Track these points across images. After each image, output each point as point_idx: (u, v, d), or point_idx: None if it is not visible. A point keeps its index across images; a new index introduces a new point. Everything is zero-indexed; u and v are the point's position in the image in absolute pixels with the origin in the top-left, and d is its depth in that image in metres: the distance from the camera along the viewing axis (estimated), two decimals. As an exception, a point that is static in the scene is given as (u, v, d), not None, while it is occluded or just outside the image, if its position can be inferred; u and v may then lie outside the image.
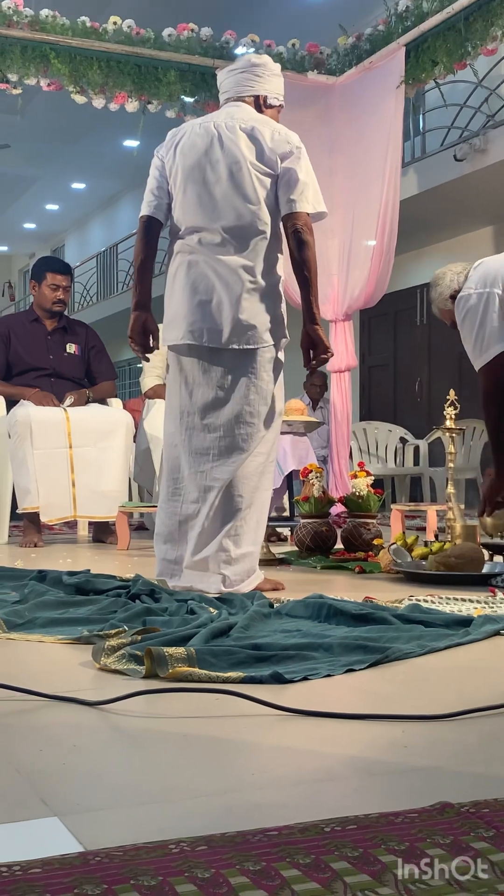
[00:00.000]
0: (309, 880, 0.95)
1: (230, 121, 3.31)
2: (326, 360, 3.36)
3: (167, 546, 3.31)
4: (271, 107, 3.42)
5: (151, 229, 3.37)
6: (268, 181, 3.25)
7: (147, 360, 3.60)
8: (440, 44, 6.01)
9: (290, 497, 5.29)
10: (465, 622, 2.48)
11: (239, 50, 6.61)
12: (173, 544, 3.29)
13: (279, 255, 3.32)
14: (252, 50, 6.67)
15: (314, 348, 3.31)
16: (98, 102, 6.49)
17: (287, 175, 3.23)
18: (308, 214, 3.24)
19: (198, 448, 3.24)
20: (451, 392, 4.14)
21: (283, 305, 3.34)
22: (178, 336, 3.28)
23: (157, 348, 3.43)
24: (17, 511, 5.10)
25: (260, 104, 3.40)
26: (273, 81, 3.43)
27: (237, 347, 3.21)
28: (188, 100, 6.70)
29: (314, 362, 3.33)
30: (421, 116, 10.24)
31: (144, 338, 3.38)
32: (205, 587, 3.17)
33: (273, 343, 3.27)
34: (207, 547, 3.21)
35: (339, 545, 4.39)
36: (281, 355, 3.32)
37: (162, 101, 6.58)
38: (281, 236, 3.31)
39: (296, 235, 3.22)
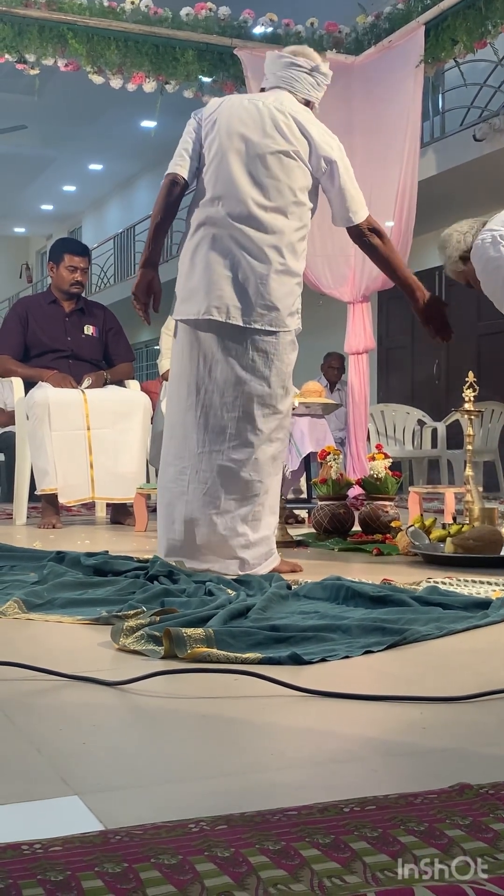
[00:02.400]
0: (328, 860, 0.96)
1: (280, 105, 3.31)
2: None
3: (174, 526, 3.26)
4: (312, 105, 3.48)
5: (175, 189, 3.31)
6: (308, 173, 3.29)
7: (149, 322, 3.60)
8: (460, 22, 5.96)
9: (308, 479, 5.30)
10: (484, 604, 2.47)
11: (257, 29, 6.58)
12: (181, 524, 3.24)
13: (305, 246, 3.34)
14: (270, 29, 6.63)
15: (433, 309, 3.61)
16: (115, 83, 6.47)
17: (338, 188, 3.33)
18: (365, 219, 3.38)
19: (214, 427, 3.19)
20: (470, 374, 4.12)
21: (300, 296, 3.36)
22: (199, 311, 3.21)
23: (157, 311, 3.40)
24: (35, 493, 5.12)
25: (309, 107, 3.44)
26: (323, 91, 3.50)
27: (260, 327, 3.18)
28: (206, 80, 6.67)
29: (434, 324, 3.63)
30: (440, 96, 10.17)
31: (148, 297, 3.35)
32: (222, 569, 3.17)
33: (293, 328, 3.27)
34: (225, 530, 3.19)
35: (356, 527, 4.38)
36: (296, 341, 3.32)
37: (180, 81, 6.56)
38: (309, 229, 3.35)
39: (363, 241, 3.42)
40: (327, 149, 3.29)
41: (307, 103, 3.42)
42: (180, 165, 3.29)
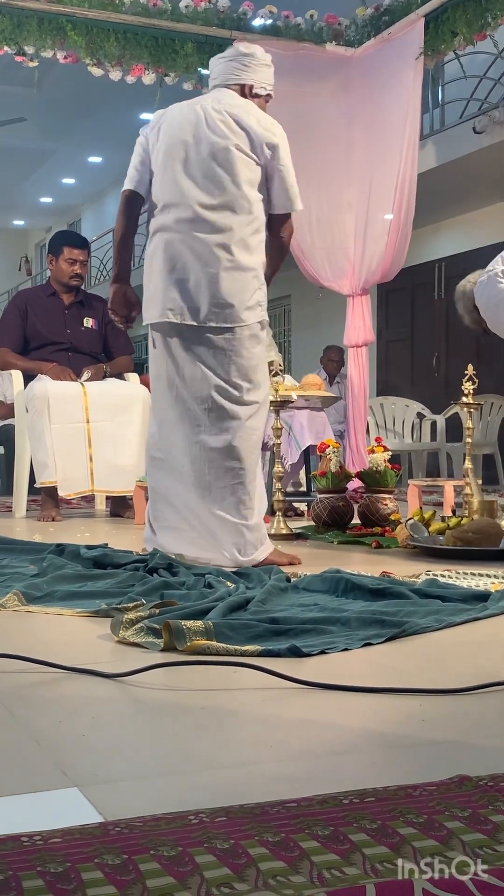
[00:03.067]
0: (328, 851, 0.96)
1: (216, 104, 3.36)
2: None
3: (160, 516, 3.35)
4: (257, 96, 3.47)
5: (133, 204, 3.46)
6: (253, 166, 3.30)
7: (126, 329, 3.72)
8: (460, 14, 5.94)
9: (307, 472, 5.30)
10: (483, 597, 2.48)
11: (257, 21, 6.56)
12: (167, 514, 3.33)
13: (260, 238, 3.36)
14: (269, 21, 6.61)
15: None
16: (115, 75, 6.45)
17: (278, 175, 3.32)
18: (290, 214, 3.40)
19: (191, 421, 3.29)
20: (469, 367, 4.12)
21: (264, 287, 3.38)
22: (157, 314, 3.34)
23: (134, 320, 3.60)
24: (34, 485, 5.12)
25: (245, 92, 3.45)
26: (261, 71, 3.48)
27: (215, 325, 3.26)
28: (205, 72, 6.64)
29: None
30: (440, 88, 10.15)
31: (126, 309, 3.54)
32: (216, 559, 3.21)
33: (252, 322, 3.30)
34: (216, 520, 3.25)
35: (355, 520, 4.39)
36: (262, 333, 3.36)
37: (179, 74, 6.54)
38: (263, 222, 3.36)
39: (281, 234, 3.42)
40: (269, 135, 3.31)
41: (248, 89, 3.46)
42: (132, 180, 3.43)
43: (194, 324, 3.27)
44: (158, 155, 3.37)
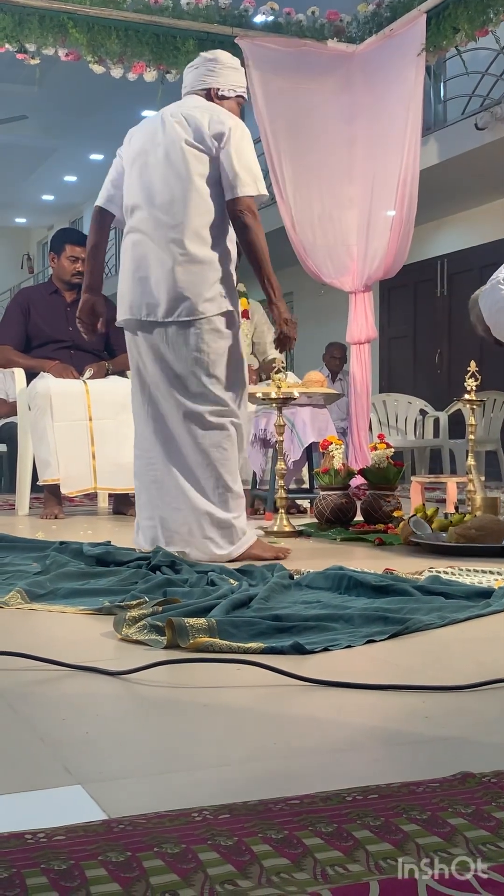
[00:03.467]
0: (331, 848, 0.96)
1: (176, 109, 3.45)
2: (287, 338, 3.46)
3: (150, 512, 3.41)
4: (225, 98, 3.53)
5: (103, 219, 3.61)
6: (204, 158, 3.33)
7: (92, 339, 3.84)
8: (461, 10, 5.93)
9: (310, 469, 5.29)
10: (486, 594, 2.48)
11: (258, 18, 6.55)
12: (156, 509, 3.38)
13: (221, 230, 3.37)
14: (271, 18, 6.61)
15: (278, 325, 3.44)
16: (116, 72, 6.45)
17: (225, 160, 3.31)
18: (249, 197, 3.30)
19: (160, 417, 3.35)
20: (472, 363, 4.12)
21: (229, 278, 3.37)
22: (123, 312, 3.44)
23: (103, 330, 3.74)
24: (37, 483, 5.12)
25: (212, 96, 3.52)
26: (226, 74, 3.55)
27: (174, 320, 3.29)
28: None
29: (277, 341, 3.51)
30: (442, 84, 10.13)
31: (92, 318, 3.67)
32: (195, 552, 3.27)
33: (214, 314, 3.31)
34: (191, 513, 3.30)
35: (358, 517, 4.39)
36: (228, 327, 3.36)
37: (180, 71, 6.52)
38: (223, 213, 3.37)
39: (237, 221, 3.32)
40: (218, 125, 3.34)
41: (213, 93, 3.52)
42: (102, 197, 3.60)
43: (155, 319, 3.32)
44: (126, 165, 3.50)
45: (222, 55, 3.59)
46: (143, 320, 3.36)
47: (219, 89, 3.52)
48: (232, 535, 3.31)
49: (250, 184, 3.29)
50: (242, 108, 3.63)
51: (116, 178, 3.56)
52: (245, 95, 3.62)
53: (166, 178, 3.35)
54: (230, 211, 3.32)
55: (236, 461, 3.37)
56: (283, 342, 3.49)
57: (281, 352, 3.71)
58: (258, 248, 3.32)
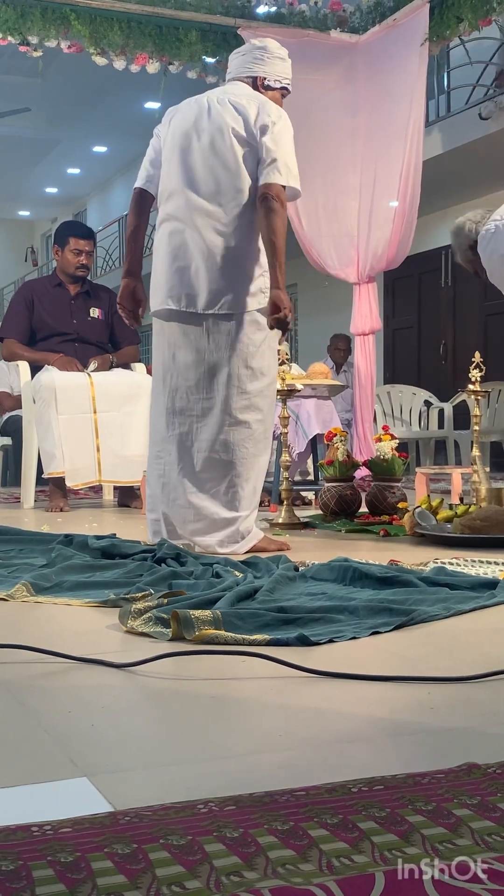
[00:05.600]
0: (337, 840, 0.96)
1: (222, 95, 3.40)
2: (284, 322, 3.32)
3: (154, 506, 3.40)
4: (270, 88, 3.49)
5: (143, 201, 3.52)
6: (251, 149, 3.29)
7: (134, 325, 3.69)
8: (465, 0, 5.91)
9: (315, 461, 5.29)
10: (491, 585, 2.48)
11: (261, 9, 6.54)
12: (160, 504, 3.38)
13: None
14: (274, 9, 6.59)
15: (275, 311, 3.30)
16: (119, 64, 6.44)
17: (264, 146, 3.27)
18: (282, 186, 3.25)
19: (182, 410, 3.32)
20: (477, 354, 4.11)
21: (266, 273, 3.33)
22: (159, 302, 3.37)
23: (143, 316, 3.58)
24: (42, 476, 5.13)
25: (257, 85, 3.47)
26: (274, 64, 3.50)
27: (214, 312, 3.26)
28: (209, 60, 6.64)
29: (274, 324, 3.37)
30: (445, 74, 10.10)
31: (133, 304, 3.54)
32: (201, 547, 3.26)
33: (254, 308, 3.30)
34: (200, 509, 3.29)
35: (363, 509, 4.38)
36: (264, 320, 3.32)
37: (183, 62, 6.53)
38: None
39: (265, 203, 3.24)
40: (264, 116, 3.29)
41: (259, 81, 3.47)
42: (141, 178, 3.51)
43: (194, 311, 3.28)
44: (166, 148, 3.42)
45: (272, 44, 3.53)
46: (181, 311, 3.31)
47: (265, 78, 3.47)
48: (236, 534, 3.29)
49: (285, 174, 3.25)
50: None
51: (155, 157, 3.48)
52: (289, 88, 3.56)
53: (211, 167, 3.29)
54: (260, 194, 3.25)
55: (257, 460, 3.33)
56: (282, 326, 3.38)
57: (283, 333, 3.58)
58: (276, 234, 3.23)
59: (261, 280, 3.31)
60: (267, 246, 3.27)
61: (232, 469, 3.27)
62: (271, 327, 3.35)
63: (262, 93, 3.44)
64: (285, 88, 3.53)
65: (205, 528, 3.29)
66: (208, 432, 3.27)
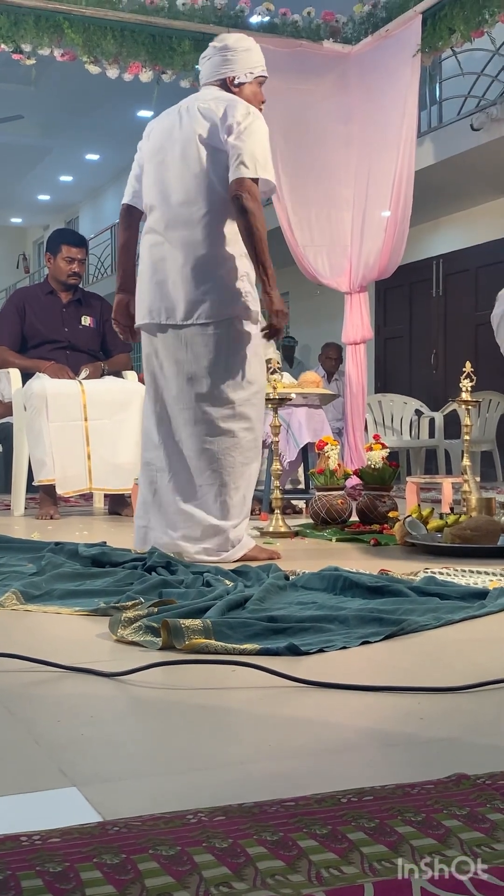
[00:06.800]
0: (326, 850, 0.96)
1: (192, 102, 3.37)
2: (276, 329, 3.34)
3: (144, 513, 3.41)
4: (242, 84, 3.43)
5: (130, 216, 3.54)
6: (219, 153, 3.25)
7: (129, 340, 3.67)
8: (457, 11, 5.94)
9: (306, 469, 5.30)
10: (481, 595, 2.48)
11: (254, 19, 6.55)
12: (148, 512, 3.39)
13: (237, 228, 3.30)
14: (267, 19, 6.61)
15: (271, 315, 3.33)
16: (112, 72, 6.45)
17: (230, 143, 3.21)
18: (251, 180, 3.16)
19: (169, 420, 3.33)
20: (467, 364, 4.12)
21: (248, 277, 3.29)
22: (142, 316, 3.39)
23: (138, 331, 3.56)
24: (33, 483, 5.12)
25: (228, 85, 3.43)
26: (240, 59, 3.44)
27: (192, 323, 3.25)
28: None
29: (266, 330, 3.38)
30: (437, 85, 10.14)
31: (128, 319, 3.54)
32: (189, 555, 3.25)
33: (233, 316, 3.26)
34: (187, 517, 3.28)
35: (354, 518, 4.39)
36: (248, 327, 3.30)
37: (176, 71, 6.53)
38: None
39: (235, 203, 3.18)
40: (229, 117, 3.24)
41: (229, 81, 3.42)
42: (127, 193, 3.53)
43: (175, 322, 3.28)
44: (146, 162, 3.44)
45: (231, 39, 3.48)
46: (162, 324, 3.32)
47: (234, 77, 3.42)
48: (226, 542, 3.28)
49: (252, 166, 3.17)
50: None
51: (139, 172, 3.48)
52: (265, 74, 3.49)
53: (182, 177, 3.29)
54: (229, 193, 3.20)
55: (245, 469, 3.30)
56: (272, 333, 3.39)
57: (268, 340, 3.53)
58: (256, 233, 3.18)
59: (241, 284, 3.27)
60: (248, 249, 3.23)
61: (219, 478, 3.26)
62: (265, 333, 3.35)
63: (234, 92, 3.39)
64: (261, 76, 3.47)
65: (194, 536, 3.28)
66: (194, 442, 3.27)
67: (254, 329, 3.32)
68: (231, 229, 3.27)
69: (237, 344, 3.28)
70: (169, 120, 3.41)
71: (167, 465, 3.32)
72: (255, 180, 3.19)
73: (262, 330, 3.38)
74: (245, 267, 3.28)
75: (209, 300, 3.23)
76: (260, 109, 3.41)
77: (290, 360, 11.12)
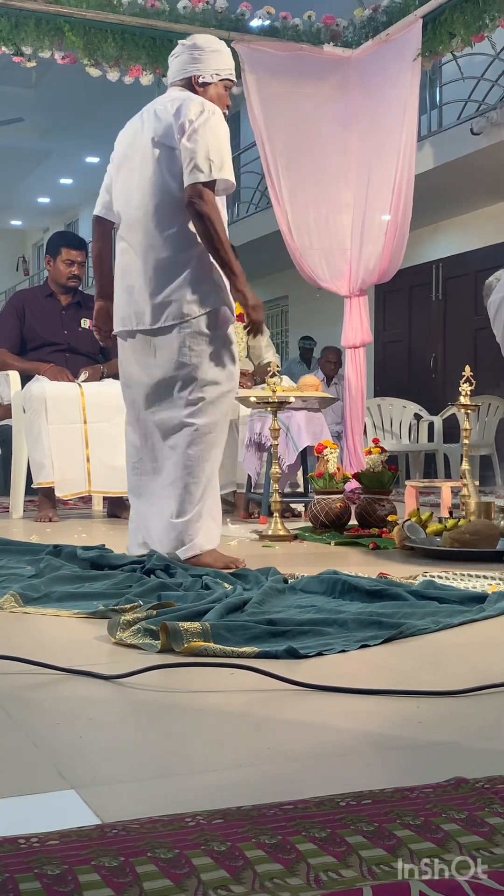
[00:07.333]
0: (324, 854, 0.96)
1: (152, 105, 3.34)
2: (256, 324, 3.35)
3: (132, 515, 3.44)
4: (207, 84, 3.36)
5: (100, 227, 3.54)
6: (173, 154, 3.19)
7: (109, 345, 3.69)
8: (458, 16, 5.94)
9: (305, 473, 5.30)
10: (480, 598, 2.48)
11: (255, 22, 6.55)
12: (134, 514, 3.41)
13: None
14: (267, 22, 6.62)
15: (247, 313, 3.31)
16: (112, 75, 6.45)
17: (182, 146, 3.14)
18: (203, 184, 3.10)
19: (139, 422, 3.34)
20: (467, 368, 4.12)
21: (213, 277, 3.22)
22: (116, 324, 3.41)
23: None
24: (32, 486, 5.12)
25: (193, 85, 3.36)
26: (209, 60, 3.37)
27: (159, 326, 3.23)
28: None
29: (247, 326, 3.39)
30: (438, 89, 10.15)
31: (108, 325, 3.53)
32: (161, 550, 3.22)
33: (197, 316, 3.21)
34: (153, 516, 3.28)
35: (353, 521, 4.39)
36: (216, 327, 3.23)
37: (176, 74, 6.53)
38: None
39: (189, 209, 3.14)
40: (182, 117, 3.16)
41: (194, 80, 3.35)
42: (98, 205, 3.52)
43: (144, 328, 3.27)
44: (113, 170, 3.45)
45: (201, 39, 3.41)
46: (132, 330, 3.32)
47: (199, 76, 3.34)
48: (178, 540, 3.19)
49: (204, 169, 3.09)
50: (238, 109, 3.50)
51: (109, 183, 3.48)
52: (232, 78, 3.42)
53: (141, 181, 3.26)
54: (184, 200, 3.14)
55: (206, 466, 3.23)
56: (254, 328, 3.37)
57: (254, 337, 3.51)
58: (212, 237, 3.12)
59: (206, 284, 3.21)
60: (210, 253, 3.19)
61: (178, 475, 3.21)
62: (247, 330, 3.38)
63: (199, 91, 3.32)
64: (226, 80, 3.40)
65: (158, 533, 3.25)
66: (164, 442, 3.27)
67: (223, 328, 3.25)
68: (192, 229, 3.20)
69: (204, 344, 3.22)
70: (133, 126, 3.39)
71: (150, 469, 3.33)
72: (211, 182, 3.13)
73: (245, 328, 3.40)
74: (209, 266, 3.22)
75: (174, 302, 3.20)
76: (224, 114, 3.35)
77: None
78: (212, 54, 3.39)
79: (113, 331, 3.49)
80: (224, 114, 3.33)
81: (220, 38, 3.54)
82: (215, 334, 3.23)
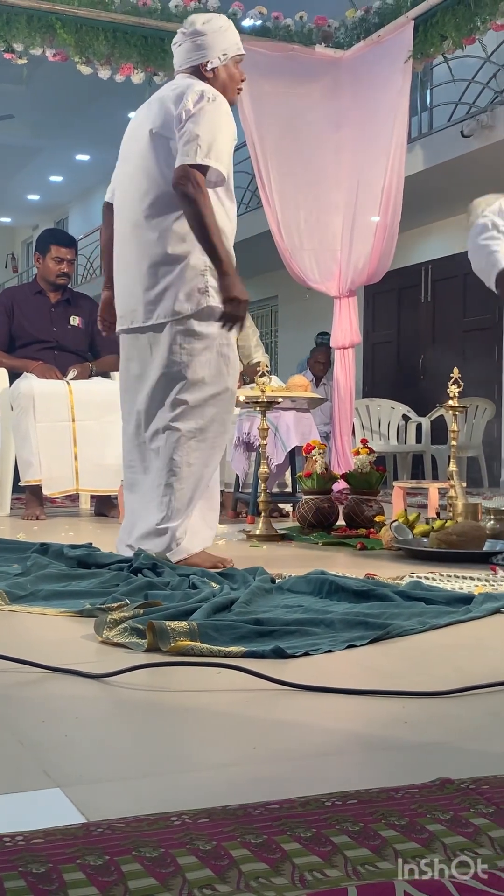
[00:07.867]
0: (310, 854, 0.96)
1: (160, 93, 3.28)
2: (232, 318, 3.14)
3: (124, 513, 3.44)
4: (216, 69, 3.26)
5: (110, 214, 3.47)
6: (169, 148, 3.12)
7: (112, 336, 3.62)
8: (449, 18, 5.96)
9: (293, 473, 5.30)
10: (466, 599, 2.48)
11: (246, 22, 6.55)
12: (126, 511, 3.41)
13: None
14: (259, 22, 6.62)
15: (228, 305, 3.13)
16: (104, 73, 6.44)
17: (179, 130, 3.07)
18: (192, 167, 3.00)
19: (135, 419, 3.32)
20: (455, 370, 4.13)
21: (208, 273, 3.13)
22: (118, 325, 3.39)
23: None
24: (19, 484, 5.11)
25: (201, 72, 3.26)
26: (211, 42, 3.26)
27: (151, 323, 3.20)
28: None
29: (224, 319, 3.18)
30: (428, 91, 10.16)
31: (113, 316, 3.48)
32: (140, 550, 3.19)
33: (191, 313, 3.13)
34: (138, 515, 3.28)
35: (340, 522, 4.39)
36: (207, 327, 3.15)
37: (168, 73, 6.52)
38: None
39: (176, 192, 3.04)
40: (183, 101, 3.09)
41: (202, 68, 3.26)
42: (108, 192, 3.47)
43: (139, 324, 3.24)
44: (119, 160, 3.42)
45: (200, 21, 3.28)
46: (129, 328, 3.30)
47: (207, 63, 3.24)
48: (167, 545, 3.16)
49: (196, 152, 3.00)
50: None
51: (116, 173, 3.45)
52: (241, 51, 3.29)
53: (136, 173, 3.22)
54: (172, 182, 3.05)
55: (194, 471, 3.19)
56: (230, 322, 3.15)
57: (228, 331, 3.19)
58: (202, 219, 3.02)
59: (199, 282, 3.13)
60: (197, 237, 3.08)
61: (165, 479, 3.17)
62: (222, 324, 3.16)
63: (208, 79, 3.23)
64: (237, 56, 3.29)
65: (145, 535, 3.22)
66: (152, 441, 3.25)
67: (215, 328, 3.17)
68: (186, 225, 3.11)
69: (193, 343, 3.15)
70: (138, 115, 3.34)
71: (141, 468, 3.32)
72: (202, 167, 3.02)
73: (219, 319, 3.16)
74: (205, 262, 3.13)
75: (165, 300, 3.15)
76: (239, 90, 3.32)
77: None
78: (214, 35, 3.26)
79: (115, 325, 3.47)
80: (238, 89, 3.31)
81: (188, 18, 3.39)
82: (207, 334, 3.16)
